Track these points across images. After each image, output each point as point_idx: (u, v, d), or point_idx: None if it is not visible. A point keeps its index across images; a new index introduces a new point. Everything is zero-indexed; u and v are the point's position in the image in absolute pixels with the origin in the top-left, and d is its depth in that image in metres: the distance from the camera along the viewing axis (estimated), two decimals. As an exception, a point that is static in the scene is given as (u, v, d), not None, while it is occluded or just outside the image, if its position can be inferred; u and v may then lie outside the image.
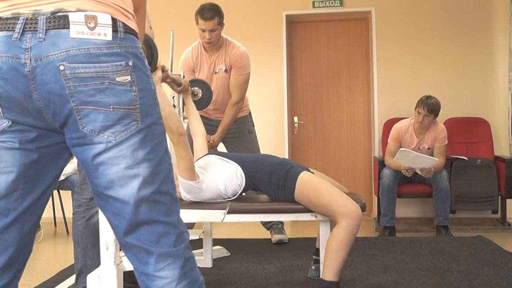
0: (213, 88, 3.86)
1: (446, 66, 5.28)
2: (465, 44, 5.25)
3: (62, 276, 3.24)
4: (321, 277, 2.46)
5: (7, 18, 1.21)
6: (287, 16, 5.44)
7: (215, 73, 3.86)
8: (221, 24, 3.71)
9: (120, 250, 2.41)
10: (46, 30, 1.19)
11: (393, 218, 4.53)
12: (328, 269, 2.40)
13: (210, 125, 3.89)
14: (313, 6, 5.39)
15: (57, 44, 1.19)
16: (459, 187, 4.69)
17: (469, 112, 5.19)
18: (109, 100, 1.23)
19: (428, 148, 4.59)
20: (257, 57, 5.04)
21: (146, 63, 1.31)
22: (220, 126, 3.88)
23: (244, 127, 4.07)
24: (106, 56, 1.21)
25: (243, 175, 2.60)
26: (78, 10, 1.20)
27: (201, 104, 3.36)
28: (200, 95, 3.34)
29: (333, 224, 2.49)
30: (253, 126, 4.15)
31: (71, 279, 2.59)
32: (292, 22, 5.60)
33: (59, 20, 1.19)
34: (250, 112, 4.17)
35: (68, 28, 1.19)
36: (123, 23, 1.25)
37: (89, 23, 1.20)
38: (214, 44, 3.77)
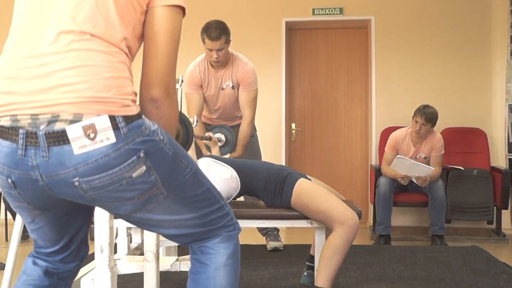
0: (219, 104, 3.90)
1: (444, 76, 5.29)
2: (463, 54, 5.27)
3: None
4: (314, 283, 2.46)
5: (8, 128, 1.21)
6: (287, 22, 5.45)
7: (222, 89, 3.84)
8: (228, 42, 3.65)
9: (115, 253, 2.40)
10: (48, 147, 1.18)
11: (389, 226, 4.53)
12: (322, 276, 2.40)
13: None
14: (313, 14, 5.40)
15: (64, 163, 1.19)
16: (455, 197, 4.69)
17: (466, 122, 5.21)
18: (132, 194, 1.27)
19: (425, 157, 4.60)
20: (256, 62, 5.02)
21: (157, 135, 1.27)
22: (238, 144, 3.83)
23: None
24: (115, 159, 1.20)
25: (238, 179, 2.60)
26: (75, 117, 1.17)
27: (226, 149, 3.38)
28: (224, 140, 3.37)
29: (328, 231, 2.49)
30: (255, 130, 4.15)
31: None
32: (292, 29, 5.62)
33: (58, 136, 1.17)
34: None
35: (69, 143, 1.17)
36: (123, 116, 1.21)
37: (89, 134, 1.17)
38: (222, 62, 3.74)
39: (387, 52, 5.33)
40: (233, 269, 1.45)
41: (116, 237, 2.86)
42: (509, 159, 4.95)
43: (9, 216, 4.53)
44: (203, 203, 1.41)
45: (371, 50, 5.37)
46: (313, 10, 5.40)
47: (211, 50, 3.62)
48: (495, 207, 4.73)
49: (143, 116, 1.27)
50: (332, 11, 5.38)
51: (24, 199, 1.31)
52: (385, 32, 5.34)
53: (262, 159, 4.07)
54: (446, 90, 5.28)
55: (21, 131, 1.19)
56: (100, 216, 2.24)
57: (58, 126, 1.17)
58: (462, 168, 4.77)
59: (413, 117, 4.55)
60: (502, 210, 4.77)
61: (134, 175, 1.22)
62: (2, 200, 4.53)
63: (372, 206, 4.93)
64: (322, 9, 5.39)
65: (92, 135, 1.17)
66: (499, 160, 5.12)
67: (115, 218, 1.45)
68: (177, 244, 2.98)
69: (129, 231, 2.94)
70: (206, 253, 1.43)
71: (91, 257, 2.19)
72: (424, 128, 4.48)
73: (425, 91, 5.27)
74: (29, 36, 1.26)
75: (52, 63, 1.21)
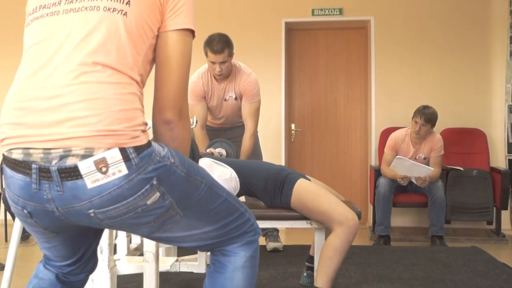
0: (222, 114, 3.92)
1: (444, 77, 5.30)
2: (463, 55, 5.27)
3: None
4: (314, 284, 2.46)
5: (20, 162, 1.22)
6: (286, 23, 5.45)
7: (225, 100, 3.85)
8: (231, 55, 3.63)
9: (114, 253, 2.40)
10: (61, 181, 1.19)
11: (388, 227, 4.53)
12: (321, 276, 2.40)
13: (213, 131, 3.95)
14: (313, 14, 5.40)
15: (78, 196, 1.20)
16: (455, 197, 4.70)
17: (466, 123, 5.21)
18: (148, 219, 1.28)
19: (425, 158, 4.60)
20: (256, 63, 5.05)
21: (168, 158, 1.28)
22: (241, 157, 3.83)
23: None
24: (129, 190, 1.21)
25: (237, 179, 2.60)
26: (86, 152, 1.18)
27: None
28: (225, 154, 3.38)
29: (328, 231, 2.49)
30: (257, 132, 4.15)
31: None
32: (291, 30, 5.62)
33: (71, 172, 1.19)
34: None
35: (82, 178, 1.19)
36: (133, 147, 1.22)
37: (101, 168, 1.19)
38: (225, 75, 3.73)
39: (387, 52, 5.33)
40: (251, 271, 1.47)
41: (115, 238, 2.86)
42: (509, 159, 4.95)
43: (9, 216, 4.53)
44: (222, 214, 1.42)
45: (371, 51, 5.37)
46: (313, 10, 5.40)
47: (214, 63, 3.61)
48: (494, 208, 4.73)
49: (152, 144, 1.28)
50: (331, 11, 5.38)
51: (40, 226, 1.34)
52: (385, 33, 5.34)
53: (263, 160, 4.08)
54: (446, 90, 5.28)
55: (34, 166, 1.20)
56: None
57: (70, 162, 1.18)
58: (462, 169, 4.77)
59: (412, 118, 4.55)
60: (502, 211, 4.77)
61: (148, 202, 1.24)
62: (1, 201, 4.53)
63: (371, 206, 4.93)
64: (321, 10, 5.39)
65: (104, 169, 1.19)
66: (498, 160, 5.12)
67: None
68: (177, 245, 2.98)
69: (128, 231, 2.94)
70: (226, 255, 1.47)
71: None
72: (423, 128, 4.48)
73: (424, 91, 5.27)
74: (40, 66, 1.26)
75: (63, 96, 1.21)
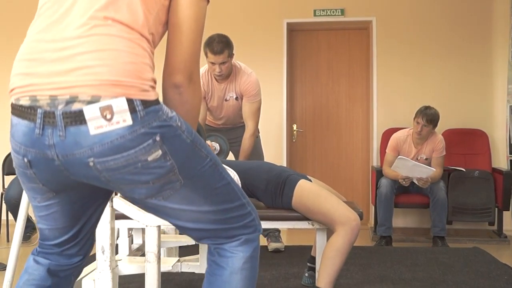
0: (223, 114, 3.92)
1: (446, 77, 5.29)
2: (464, 56, 5.27)
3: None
4: (316, 284, 2.46)
5: (27, 107, 1.22)
6: (288, 24, 5.46)
7: (226, 100, 3.85)
8: (231, 56, 3.63)
9: (116, 254, 2.40)
10: (65, 126, 1.19)
11: (390, 227, 4.53)
12: (324, 277, 2.39)
13: (214, 131, 3.95)
14: (314, 15, 5.40)
15: (80, 142, 1.19)
16: (456, 198, 4.69)
17: (467, 123, 5.21)
18: (147, 178, 1.25)
19: (426, 159, 4.60)
20: (258, 64, 5.05)
21: (175, 121, 1.28)
22: (240, 157, 3.84)
23: None
24: (131, 142, 1.20)
25: (239, 181, 2.60)
26: (93, 98, 1.18)
27: (219, 157, 3.40)
28: (219, 149, 3.37)
29: (330, 232, 2.49)
30: (258, 132, 4.15)
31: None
32: (293, 30, 5.62)
33: (75, 116, 1.18)
34: None
35: (86, 124, 1.18)
36: (141, 100, 1.21)
37: (106, 115, 1.18)
38: (225, 76, 3.73)
39: (388, 53, 5.33)
40: (250, 273, 1.42)
41: (117, 238, 2.86)
42: (511, 160, 4.95)
43: (11, 217, 4.54)
44: (223, 197, 1.38)
45: (372, 51, 5.37)
46: (315, 11, 5.40)
47: (214, 64, 3.61)
48: (496, 209, 4.72)
49: (161, 103, 1.27)
50: (333, 12, 5.38)
51: (39, 180, 1.31)
52: (386, 33, 5.34)
53: (264, 160, 4.08)
54: (447, 91, 5.28)
55: (39, 110, 1.20)
56: (102, 217, 2.24)
57: (75, 107, 1.18)
58: (464, 170, 4.76)
59: (414, 119, 4.55)
60: (504, 212, 4.77)
61: (149, 158, 1.22)
62: (3, 201, 4.54)
63: (373, 207, 4.93)
64: (323, 11, 5.39)
65: (108, 116, 1.18)
66: (500, 161, 5.12)
67: (129, 201, 1.40)
68: (178, 245, 2.98)
69: (130, 232, 2.94)
70: (223, 255, 1.41)
71: (93, 258, 2.19)
72: (425, 129, 4.48)
73: (426, 92, 5.27)
74: (52, 21, 1.27)
75: (73, 47, 1.22)
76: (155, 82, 1.28)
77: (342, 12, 5.37)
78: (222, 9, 5.38)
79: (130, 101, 1.19)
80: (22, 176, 1.35)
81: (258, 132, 4.15)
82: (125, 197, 1.35)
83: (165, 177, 1.26)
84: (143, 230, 2.98)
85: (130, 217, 2.32)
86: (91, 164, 1.21)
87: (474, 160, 5.06)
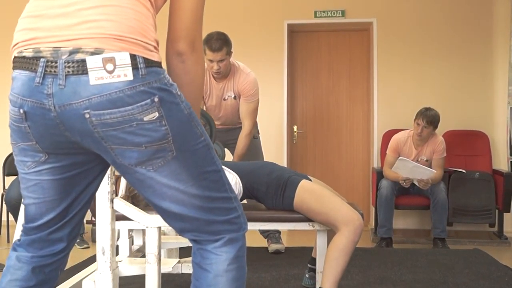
0: (221, 114, 3.90)
1: (446, 79, 5.29)
2: (465, 57, 5.27)
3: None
4: (320, 286, 2.44)
5: (29, 58, 1.22)
6: (288, 25, 5.46)
7: (224, 99, 3.84)
8: (229, 53, 3.64)
9: (116, 255, 2.40)
10: (65, 75, 1.19)
11: (390, 229, 4.52)
12: (328, 277, 2.37)
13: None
14: (315, 16, 5.41)
15: (78, 92, 1.19)
16: (457, 199, 4.69)
17: (468, 125, 5.20)
18: (140, 140, 1.24)
19: (427, 160, 4.60)
20: (258, 65, 5.05)
21: (175, 89, 1.27)
22: (235, 156, 3.85)
23: None
24: (129, 98, 1.19)
25: (241, 184, 2.60)
26: (96, 50, 1.18)
27: None
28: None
29: (330, 233, 2.49)
30: (258, 133, 4.15)
31: (73, 279, 2.58)
32: (294, 31, 5.62)
33: (78, 66, 1.18)
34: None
35: (87, 74, 1.18)
36: (144, 58, 1.22)
37: (107, 66, 1.18)
38: (223, 74, 3.74)
39: (389, 54, 5.33)
40: (237, 274, 1.38)
41: (117, 239, 2.86)
42: (511, 161, 4.95)
43: (11, 218, 4.54)
44: (211, 184, 1.35)
45: (373, 53, 5.37)
46: (315, 12, 5.40)
47: (212, 61, 3.61)
48: (497, 210, 4.72)
49: (164, 69, 1.27)
50: (334, 13, 5.38)
51: (32, 135, 1.29)
52: (387, 35, 5.34)
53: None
54: (448, 92, 5.28)
55: (42, 60, 1.20)
56: (102, 218, 2.24)
57: (78, 57, 1.19)
58: (464, 171, 4.76)
59: (414, 120, 4.55)
60: (504, 213, 4.77)
61: (145, 118, 1.21)
62: (4, 202, 4.54)
63: (373, 208, 4.93)
64: (324, 12, 5.39)
65: (110, 68, 1.18)
66: (501, 163, 5.12)
67: (118, 171, 1.35)
68: (179, 246, 2.98)
69: (130, 233, 2.94)
70: (206, 257, 1.37)
71: (93, 259, 2.19)
72: (425, 130, 4.48)
73: (427, 93, 5.27)
74: None
75: (77, 3, 1.22)
76: (158, 43, 1.29)
77: (343, 13, 5.38)
78: (222, 10, 5.39)
79: (133, 57, 1.20)
80: (16, 133, 1.32)
81: (258, 133, 4.15)
82: (115, 166, 1.31)
83: (158, 143, 1.25)
84: (143, 231, 2.98)
85: (131, 218, 2.32)
86: (87, 116, 1.20)
87: (475, 162, 5.06)
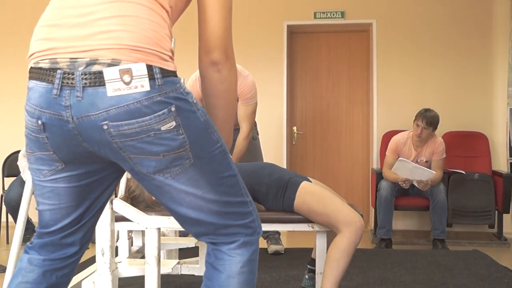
0: None
1: (446, 80, 5.30)
2: (465, 58, 5.28)
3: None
4: (320, 286, 2.44)
5: (46, 69, 1.22)
6: (288, 26, 5.46)
7: None
8: None
9: (116, 256, 2.40)
10: (83, 87, 1.19)
11: (390, 230, 4.52)
12: (329, 278, 2.37)
13: None
14: (315, 17, 5.41)
15: (96, 104, 1.19)
16: (456, 201, 4.69)
17: (467, 126, 5.21)
18: (158, 149, 1.24)
19: (426, 161, 4.60)
20: (258, 66, 5.06)
21: (191, 98, 1.28)
22: (233, 159, 3.82)
23: None
24: (147, 108, 1.20)
25: (242, 185, 2.59)
26: (113, 61, 1.19)
27: None
28: None
29: (330, 235, 2.49)
30: (257, 134, 4.14)
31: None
32: (293, 33, 5.63)
33: (95, 78, 1.19)
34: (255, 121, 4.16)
35: (104, 85, 1.18)
36: (160, 68, 1.22)
37: (124, 78, 1.18)
38: None
39: (389, 55, 5.34)
40: (248, 277, 1.39)
41: (117, 240, 2.86)
42: (511, 163, 4.95)
43: (11, 219, 4.54)
44: (228, 189, 1.36)
45: (373, 54, 5.38)
46: (315, 13, 5.40)
47: None
48: (496, 211, 4.72)
49: (180, 78, 1.28)
50: (333, 14, 5.39)
51: (50, 146, 1.29)
52: (387, 36, 5.35)
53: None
54: (448, 93, 5.28)
55: (59, 71, 1.20)
56: (102, 219, 2.24)
57: (95, 68, 1.19)
58: (464, 172, 4.76)
59: (414, 121, 4.55)
60: (504, 214, 4.77)
61: (162, 128, 1.22)
62: (3, 203, 4.54)
63: (373, 209, 4.93)
64: (323, 13, 5.40)
65: (127, 80, 1.18)
66: (500, 164, 5.12)
67: (136, 178, 1.36)
68: (178, 248, 2.98)
69: (130, 234, 2.94)
70: (220, 258, 1.38)
71: (92, 260, 2.19)
72: (425, 131, 4.48)
73: (426, 94, 5.27)
74: None
75: (94, 13, 1.23)
76: (173, 53, 1.29)
77: (342, 14, 5.38)
78: (222, 11, 5.38)
79: (149, 68, 1.20)
80: (33, 143, 1.32)
81: (258, 134, 4.15)
82: (133, 174, 1.32)
83: (175, 152, 1.25)
84: (143, 232, 2.98)
85: (130, 219, 2.32)
86: (105, 127, 1.20)
87: (474, 163, 5.06)
